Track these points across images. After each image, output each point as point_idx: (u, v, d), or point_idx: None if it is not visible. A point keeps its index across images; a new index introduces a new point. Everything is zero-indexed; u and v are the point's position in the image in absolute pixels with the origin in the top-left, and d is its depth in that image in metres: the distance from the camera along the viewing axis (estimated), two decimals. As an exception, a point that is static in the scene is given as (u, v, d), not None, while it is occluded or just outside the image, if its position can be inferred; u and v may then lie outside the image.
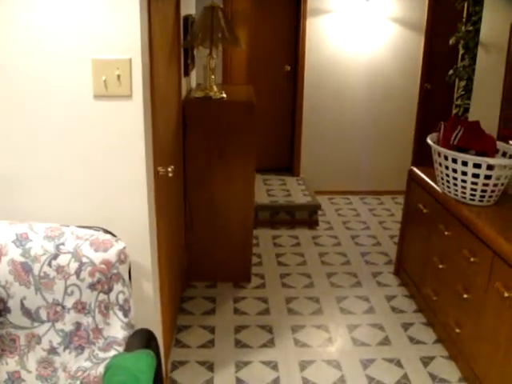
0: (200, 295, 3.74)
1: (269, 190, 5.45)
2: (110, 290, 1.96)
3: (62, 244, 1.95)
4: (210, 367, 2.98)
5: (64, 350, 1.99)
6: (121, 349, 1.97)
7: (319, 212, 5.14)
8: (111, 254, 1.94)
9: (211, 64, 3.60)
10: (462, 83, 4.73)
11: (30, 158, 2.11)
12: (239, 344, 3.20)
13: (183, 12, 3.45)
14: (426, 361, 3.08)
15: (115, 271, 1.95)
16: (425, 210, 3.51)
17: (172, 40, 2.99)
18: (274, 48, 5.78)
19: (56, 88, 2.02)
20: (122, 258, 1.97)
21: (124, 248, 1.98)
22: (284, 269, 4.18)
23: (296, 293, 3.82)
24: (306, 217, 5.05)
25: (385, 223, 5.20)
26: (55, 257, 1.93)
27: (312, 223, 5.05)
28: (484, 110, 3.76)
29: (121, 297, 1.98)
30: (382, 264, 4.31)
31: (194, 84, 4.25)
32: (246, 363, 3.03)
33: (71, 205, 2.17)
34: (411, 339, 3.29)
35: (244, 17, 5.66)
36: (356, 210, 5.56)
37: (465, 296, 2.86)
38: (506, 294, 2.45)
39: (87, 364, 1.98)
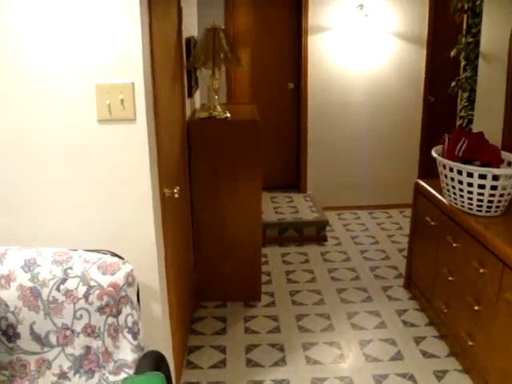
0: (210, 315, 3.73)
1: (276, 207, 5.46)
2: (119, 313, 1.97)
3: (70, 268, 1.96)
4: (222, 388, 2.97)
5: (74, 374, 1.99)
6: (131, 372, 1.96)
7: (327, 228, 5.13)
8: (119, 277, 1.95)
9: (214, 85, 3.63)
10: (465, 94, 4.74)
11: (37, 184, 2.13)
12: (251, 363, 3.19)
13: (185, 34, 3.50)
14: (440, 375, 3.05)
15: (123, 294, 1.96)
16: (432, 223, 3.50)
17: (175, 62, 3.02)
18: (276, 66, 5.83)
19: (60, 114, 2.05)
20: (130, 280, 1.97)
21: (131, 270, 1.99)
22: (294, 286, 4.17)
23: (306, 310, 3.81)
24: (314, 233, 5.05)
25: (393, 237, 5.18)
26: (63, 281, 1.94)
27: (320, 239, 5.04)
28: (488, 120, 3.76)
29: (129, 319, 1.98)
30: (392, 278, 4.29)
31: (198, 105, 4.28)
32: (258, 382, 3.01)
33: (78, 229, 2.18)
34: (424, 353, 3.27)
35: (246, 37, 5.71)
36: (364, 224, 5.55)
37: (476, 308, 2.84)
38: (517, 305, 2.44)
39: (98, 388, 1.98)
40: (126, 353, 1.99)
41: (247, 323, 3.62)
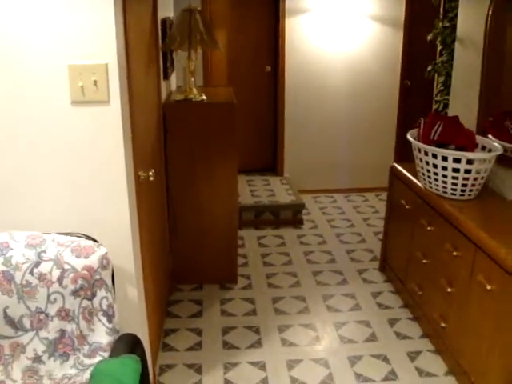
0: (187, 298, 3.73)
1: (253, 190, 5.46)
2: (94, 296, 1.96)
3: (44, 252, 1.94)
4: (199, 370, 2.98)
5: (49, 357, 1.98)
6: (106, 354, 1.96)
7: (304, 211, 5.15)
8: (93, 260, 1.93)
9: (190, 67, 3.60)
10: (441, 79, 4.77)
11: (8, 166, 2.09)
12: (227, 345, 3.20)
13: (161, 15, 3.45)
14: (413, 355, 3.11)
15: (98, 277, 1.95)
16: (407, 206, 3.53)
17: (149, 43, 2.98)
18: (253, 49, 5.79)
19: (33, 95, 2.01)
20: (105, 263, 1.96)
21: (106, 253, 1.97)
22: (270, 269, 4.19)
23: (282, 292, 3.83)
24: (290, 216, 5.06)
25: (369, 220, 5.23)
26: (37, 265, 1.92)
27: (297, 222, 5.06)
28: (463, 104, 3.79)
29: (104, 302, 1.97)
30: (368, 261, 4.34)
31: (174, 87, 4.24)
32: (234, 364, 3.03)
33: (51, 212, 2.16)
34: (398, 335, 3.31)
35: (222, 18, 5.66)
36: (340, 207, 5.58)
37: (449, 290, 2.89)
38: (489, 287, 2.48)
39: (73, 371, 1.97)
40: (101, 336, 1.99)
41: (223, 306, 3.63)
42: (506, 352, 2.40)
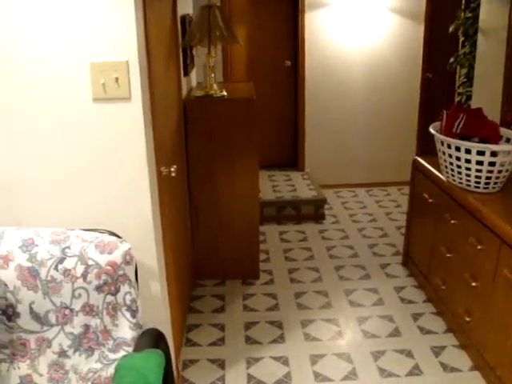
0: (209, 293, 3.75)
1: (274, 185, 5.45)
2: (117, 291, 1.97)
3: (68, 248, 1.96)
4: (222, 365, 2.99)
5: (74, 352, 2.00)
6: (130, 349, 1.98)
7: (325, 206, 5.14)
8: (117, 256, 1.95)
9: (210, 63, 3.61)
10: (464, 71, 4.71)
11: (32, 163, 2.12)
12: (249, 341, 3.21)
13: (180, 12, 3.46)
14: (437, 350, 3.08)
15: (121, 272, 1.96)
16: (430, 200, 3.50)
17: (170, 40, 2.99)
18: (273, 44, 5.77)
19: (55, 92, 2.03)
20: (128, 259, 1.97)
21: (129, 249, 1.99)
22: (292, 264, 4.19)
23: (305, 287, 3.83)
24: (312, 211, 5.05)
25: (391, 214, 5.19)
26: (61, 260, 1.94)
27: (318, 217, 5.05)
28: (486, 96, 3.74)
29: (128, 298, 1.99)
30: (390, 255, 4.31)
31: (194, 83, 4.25)
32: (257, 359, 3.04)
33: (75, 208, 2.18)
34: (421, 329, 3.29)
35: (242, 13, 5.65)
36: (362, 202, 5.56)
37: (473, 284, 2.86)
38: (514, 280, 2.45)
39: (97, 365, 1.99)
40: (125, 331, 2.00)
41: (246, 301, 3.64)
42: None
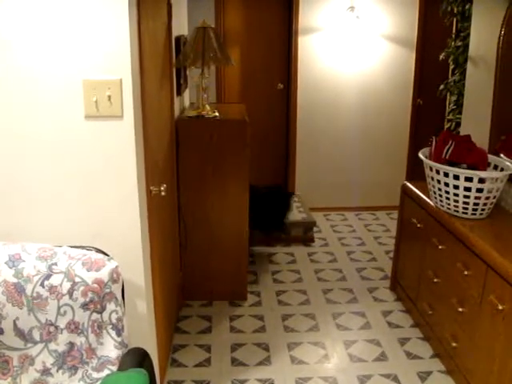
0: (196, 314, 3.73)
1: (264, 207, 5.45)
2: (103, 309, 1.96)
3: (55, 264, 1.95)
4: (207, 386, 2.97)
5: (57, 370, 1.98)
6: (114, 368, 1.96)
7: (314, 229, 5.15)
8: (104, 274, 1.94)
9: (203, 83, 3.63)
10: (453, 98, 4.77)
11: (22, 179, 2.12)
12: (235, 362, 3.19)
13: (175, 32, 3.49)
14: (423, 376, 3.07)
15: (108, 290, 1.95)
16: (419, 225, 3.52)
17: (164, 60, 3.02)
18: (266, 66, 5.84)
19: (47, 109, 2.04)
20: (115, 277, 1.97)
21: (116, 267, 1.98)
22: (280, 286, 4.18)
23: (292, 310, 3.81)
24: (301, 234, 5.06)
25: (380, 239, 5.21)
26: (48, 277, 1.94)
27: (307, 240, 5.05)
28: (475, 123, 3.79)
29: (114, 316, 1.98)
30: (378, 279, 4.31)
31: (187, 103, 4.27)
32: (243, 381, 3.01)
33: (64, 225, 2.18)
34: (408, 354, 3.28)
35: (236, 36, 5.72)
36: (351, 226, 5.57)
37: (460, 309, 2.86)
38: (500, 307, 2.45)
39: (81, 384, 1.97)
40: (110, 349, 1.99)
41: (233, 322, 3.62)
42: (517, 373, 2.38)
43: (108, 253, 2.08)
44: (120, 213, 2.18)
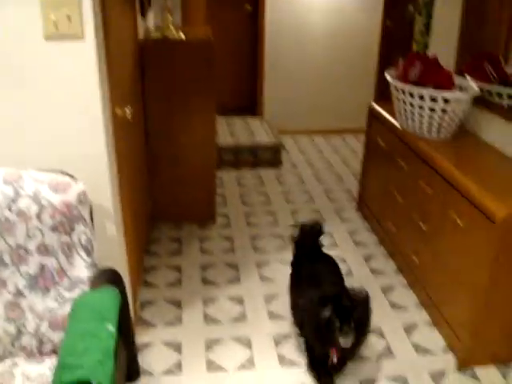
0: (166, 236, 3.78)
1: (232, 131, 5.45)
2: (72, 230, 1.98)
3: (21, 188, 1.94)
4: (179, 305, 3.05)
5: (30, 291, 2.01)
6: (86, 288, 2.00)
7: (283, 152, 5.18)
8: (71, 196, 1.95)
9: (168, 4, 3.53)
10: (422, 19, 4.72)
11: (-17, 102, 2.07)
12: (206, 281, 3.28)
13: (136, -52, 3.35)
14: (387, 289, 3.21)
15: (76, 212, 1.97)
16: (385, 146, 3.57)
17: (125, -22, 2.91)
18: (233, -14, 5.67)
19: (4, 30, 1.97)
20: (82, 198, 1.98)
21: (83, 189, 1.99)
22: (248, 208, 4.24)
23: (261, 231, 3.90)
24: (269, 157, 5.09)
25: (348, 161, 5.28)
26: (15, 201, 1.93)
27: (276, 163, 5.09)
28: (442, 45, 3.78)
29: (83, 237, 2.00)
30: (345, 201, 4.41)
31: (151, 25, 4.16)
32: (213, 299, 3.11)
33: (29, 151, 2.15)
34: (373, 271, 3.41)
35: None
36: (320, 149, 5.62)
37: (422, 226, 2.97)
38: (459, 222, 2.55)
39: (54, 304, 2.01)
40: (81, 270, 2.02)
41: (202, 244, 3.70)
42: (471, 286, 2.50)
43: (75, 176, 2.08)
44: (85, 135, 2.16)
